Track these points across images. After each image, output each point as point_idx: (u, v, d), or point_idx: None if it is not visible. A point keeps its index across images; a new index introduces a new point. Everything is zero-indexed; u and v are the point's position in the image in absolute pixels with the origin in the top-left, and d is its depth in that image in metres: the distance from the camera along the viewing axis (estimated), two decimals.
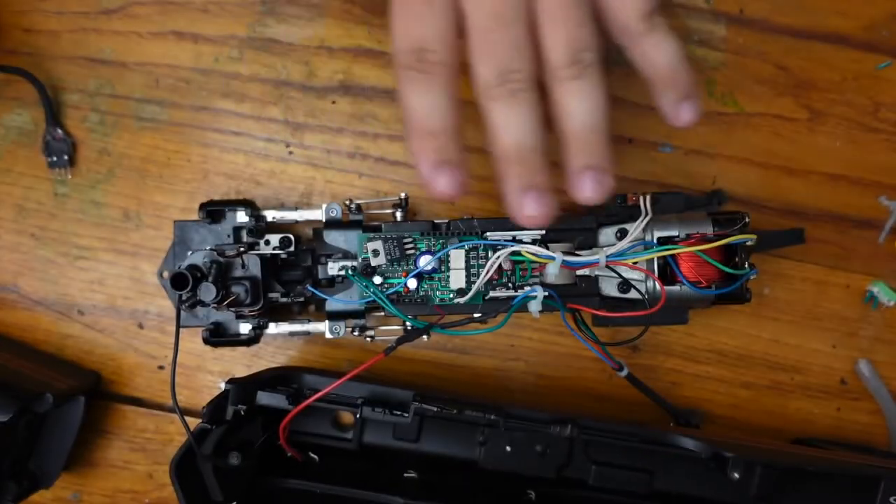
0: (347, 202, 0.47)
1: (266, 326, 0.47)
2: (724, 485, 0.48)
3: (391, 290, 0.46)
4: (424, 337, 0.45)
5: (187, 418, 0.43)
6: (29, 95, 0.51)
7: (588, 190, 0.37)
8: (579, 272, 0.46)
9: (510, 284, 0.46)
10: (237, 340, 0.47)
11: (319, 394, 0.43)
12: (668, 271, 0.45)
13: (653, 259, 0.45)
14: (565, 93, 0.38)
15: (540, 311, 0.44)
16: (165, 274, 0.47)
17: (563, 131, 0.38)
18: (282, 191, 0.52)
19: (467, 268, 0.46)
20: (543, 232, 0.46)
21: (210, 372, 0.52)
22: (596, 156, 0.38)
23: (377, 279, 0.46)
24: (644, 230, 0.45)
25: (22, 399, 0.45)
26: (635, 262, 0.44)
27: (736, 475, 0.43)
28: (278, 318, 0.48)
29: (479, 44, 0.37)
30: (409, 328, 0.46)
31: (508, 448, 0.49)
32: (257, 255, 0.45)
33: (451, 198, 0.37)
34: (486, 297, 0.46)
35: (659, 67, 0.40)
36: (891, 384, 0.52)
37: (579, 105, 0.38)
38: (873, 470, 0.47)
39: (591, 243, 0.47)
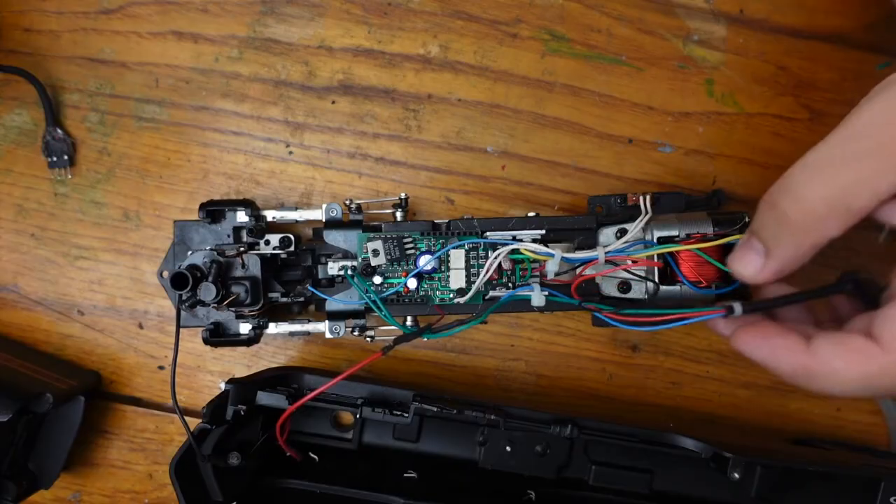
0: (347, 202, 0.47)
1: (266, 326, 0.47)
2: (724, 485, 0.48)
3: (391, 290, 0.46)
4: (424, 337, 0.45)
5: (187, 418, 0.43)
6: (29, 95, 0.51)
7: None
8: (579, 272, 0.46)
9: (510, 284, 0.46)
10: (237, 340, 0.47)
11: (313, 393, 0.43)
12: (668, 271, 0.45)
13: (653, 258, 0.45)
14: None
15: (542, 307, 0.44)
16: (165, 274, 0.47)
17: None
18: (282, 191, 0.52)
19: (467, 267, 0.46)
20: (543, 231, 0.46)
21: (210, 372, 0.52)
22: None
23: (377, 279, 0.46)
24: (644, 230, 0.45)
25: (22, 399, 0.45)
26: (635, 261, 0.44)
27: (736, 475, 0.43)
28: (278, 318, 0.48)
29: None
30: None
31: (508, 448, 0.49)
32: (257, 255, 0.45)
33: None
34: (486, 297, 0.46)
35: None
36: None
37: None
38: (873, 470, 0.47)
39: (592, 243, 0.47)
